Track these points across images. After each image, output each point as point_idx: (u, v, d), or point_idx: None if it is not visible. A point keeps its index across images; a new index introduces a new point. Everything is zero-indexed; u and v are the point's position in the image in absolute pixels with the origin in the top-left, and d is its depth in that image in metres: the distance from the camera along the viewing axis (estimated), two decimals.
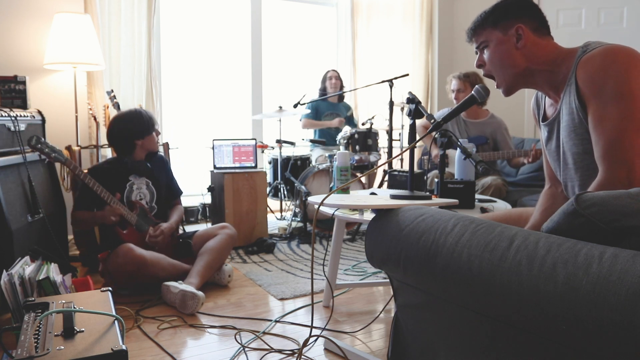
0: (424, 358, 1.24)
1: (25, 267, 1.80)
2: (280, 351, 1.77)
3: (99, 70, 3.30)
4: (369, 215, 1.84)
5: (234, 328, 1.98)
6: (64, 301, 1.35)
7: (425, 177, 2.84)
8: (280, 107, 3.67)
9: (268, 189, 3.82)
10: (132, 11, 3.48)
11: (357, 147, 3.58)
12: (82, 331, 1.18)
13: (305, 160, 3.94)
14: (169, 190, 2.71)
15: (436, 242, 1.05)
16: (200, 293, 2.13)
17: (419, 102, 1.74)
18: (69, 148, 3.02)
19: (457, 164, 2.24)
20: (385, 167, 3.93)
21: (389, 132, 3.41)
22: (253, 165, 3.44)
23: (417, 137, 1.61)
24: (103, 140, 3.29)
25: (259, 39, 4.38)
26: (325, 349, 1.80)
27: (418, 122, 3.20)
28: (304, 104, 3.70)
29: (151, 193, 2.59)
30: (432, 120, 1.94)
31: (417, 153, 3.61)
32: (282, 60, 4.65)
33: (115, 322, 1.24)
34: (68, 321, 1.19)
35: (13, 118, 2.23)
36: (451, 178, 2.29)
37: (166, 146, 3.37)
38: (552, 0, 4.39)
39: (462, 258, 0.96)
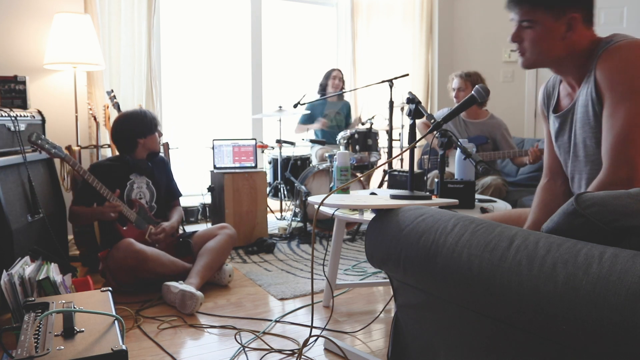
0: (424, 358, 1.24)
1: (25, 267, 1.80)
2: (280, 351, 1.77)
3: (99, 70, 3.30)
4: (369, 215, 1.84)
5: (234, 328, 1.97)
6: (64, 301, 1.35)
7: (425, 177, 2.84)
8: (280, 107, 3.67)
9: (268, 189, 3.82)
10: (132, 11, 3.48)
11: (357, 147, 3.58)
12: (82, 331, 1.18)
13: (305, 160, 3.94)
14: (168, 191, 2.72)
15: (436, 242, 1.05)
16: (199, 293, 2.13)
17: (419, 102, 1.74)
18: (69, 148, 3.02)
19: (457, 164, 2.24)
20: (385, 167, 3.93)
21: (389, 132, 3.41)
22: (253, 165, 3.44)
23: (417, 137, 1.61)
24: (103, 140, 3.29)
25: (259, 39, 4.38)
26: (325, 349, 1.80)
27: (419, 120, 3.21)
28: (304, 104, 3.70)
29: (151, 192, 2.60)
30: (432, 120, 1.94)
31: (417, 153, 3.61)
32: (282, 60, 4.65)
33: (115, 322, 1.24)
34: (68, 321, 1.19)
35: (13, 118, 2.23)
36: (451, 178, 2.29)
37: (166, 146, 3.37)
38: None
39: (462, 258, 0.96)
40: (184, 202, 2.86)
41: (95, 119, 3.19)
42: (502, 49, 4.68)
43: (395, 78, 3.38)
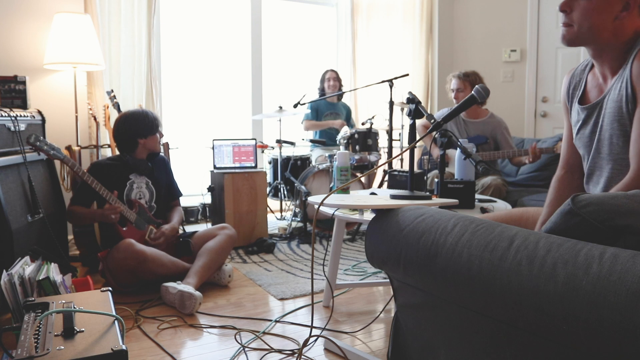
0: (424, 358, 1.24)
1: (25, 267, 1.80)
2: (280, 351, 1.77)
3: (99, 70, 3.30)
4: (369, 215, 1.84)
5: (234, 328, 1.97)
6: (64, 301, 1.35)
7: (425, 177, 2.84)
8: (280, 107, 3.67)
9: (268, 189, 3.82)
10: (132, 11, 3.48)
11: (357, 147, 3.58)
12: (82, 331, 1.18)
13: (305, 160, 3.95)
14: (168, 191, 2.72)
15: (436, 242, 1.05)
16: (197, 293, 2.13)
17: (419, 102, 1.74)
18: (69, 148, 3.02)
19: (457, 164, 2.24)
20: (385, 167, 3.93)
21: (389, 132, 3.41)
22: (253, 165, 3.44)
23: (417, 137, 1.61)
24: (103, 140, 3.29)
25: (259, 39, 4.38)
26: (325, 349, 1.80)
27: (418, 121, 3.21)
28: (304, 104, 3.70)
29: (150, 192, 2.60)
30: (432, 120, 1.94)
31: (417, 153, 3.61)
32: (282, 60, 4.65)
33: (115, 322, 1.24)
34: (68, 321, 1.19)
35: (13, 118, 2.23)
36: (451, 178, 2.29)
37: (166, 146, 3.37)
38: (553, 0, 4.39)
39: (462, 258, 0.96)
40: (184, 202, 2.86)
41: (95, 119, 3.19)
42: (502, 49, 4.68)
43: (395, 78, 3.38)
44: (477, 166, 1.87)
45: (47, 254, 2.08)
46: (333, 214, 1.94)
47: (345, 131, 3.68)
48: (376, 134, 3.66)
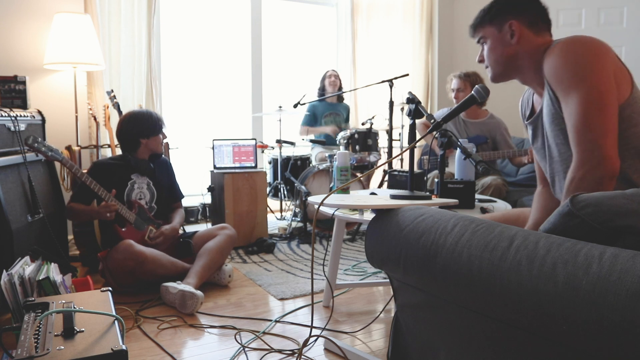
0: (424, 358, 1.24)
1: (25, 267, 1.80)
2: (280, 351, 1.77)
3: (99, 70, 3.30)
4: (369, 215, 1.84)
5: (234, 328, 1.98)
6: (64, 301, 1.35)
7: (425, 177, 2.83)
8: (280, 107, 3.67)
9: (268, 189, 3.82)
10: (132, 11, 3.48)
11: (357, 147, 3.58)
12: (82, 331, 1.18)
13: (305, 160, 3.95)
14: (170, 193, 2.72)
15: (436, 242, 1.05)
16: (199, 292, 2.13)
17: (419, 102, 1.74)
18: (69, 148, 3.02)
19: (457, 164, 2.24)
20: (385, 167, 3.93)
21: (389, 132, 3.41)
22: (253, 165, 3.44)
23: (417, 137, 1.61)
24: (103, 140, 3.29)
25: (259, 39, 4.38)
26: (325, 349, 1.80)
27: (418, 120, 3.21)
28: (303, 104, 3.70)
29: (151, 193, 2.60)
30: (432, 120, 1.94)
31: (417, 153, 3.61)
32: (282, 60, 4.65)
33: (115, 322, 1.24)
34: (68, 321, 1.19)
35: (13, 118, 2.23)
36: (451, 178, 2.29)
37: (166, 146, 3.37)
38: (552, 0, 4.38)
39: (462, 258, 0.96)
40: (184, 202, 2.86)
41: (95, 119, 3.19)
42: None
43: (395, 78, 3.38)
44: (477, 166, 1.86)
45: (47, 254, 2.08)
46: (333, 214, 1.94)
47: (345, 131, 3.69)
48: (376, 134, 3.66)
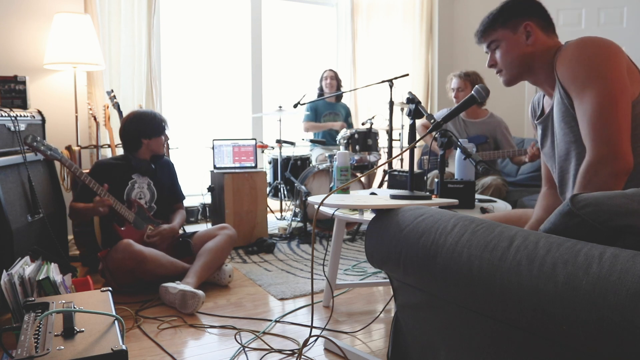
0: (424, 358, 1.24)
1: (25, 267, 1.80)
2: (280, 351, 1.77)
3: (99, 70, 3.30)
4: (369, 215, 1.84)
5: (234, 328, 1.98)
6: (64, 301, 1.35)
7: (425, 177, 2.83)
8: (280, 107, 3.67)
9: (268, 189, 3.82)
10: (132, 11, 3.48)
11: (357, 147, 3.58)
12: (82, 331, 1.18)
13: (305, 160, 3.94)
14: (171, 194, 2.72)
15: (436, 242, 1.05)
16: (200, 292, 2.13)
17: (419, 102, 1.74)
18: (69, 148, 3.02)
19: (457, 164, 2.24)
20: (385, 167, 3.93)
21: (389, 132, 3.41)
22: (253, 165, 3.44)
23: (417, 137, 1.61)
24: (103, 140, 3.29)
25: (259, 39, 4.38)
26: (325, 349, 1.80)
27: (418, 121, 3.20)
28: (303, 104, 3.70)
29: (151, 193, 2.60)
30: (432, 120, 1.94)
31: (417, 153, 3.61)
32: (282, 60, 4.65)
33: (115, 322, 1.24)
34: (68, 321, 1.19)
35: (13, 118, 2.23)
36: (451, 178, 2.29)
37: (166, 146, 3.37)
38: (552, 0, 4.39)
39: (462, 258, 0.96)
40: (184, 202, 2.86)
41: (95, 119, 3.19)
42: None
43: (395, 78, 3.38)
44: (477, 166, 1.86)
45: (47, 254, 2.08)
46: (333, 214, 1.94)
47: (345, 131, 3.69)
48: (376, 134, 3.66)
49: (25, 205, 2.22)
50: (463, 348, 1.07)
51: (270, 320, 2.05)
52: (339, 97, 4.40)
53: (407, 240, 1.14)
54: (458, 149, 1.99)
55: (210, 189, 3.42)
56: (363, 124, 3.79)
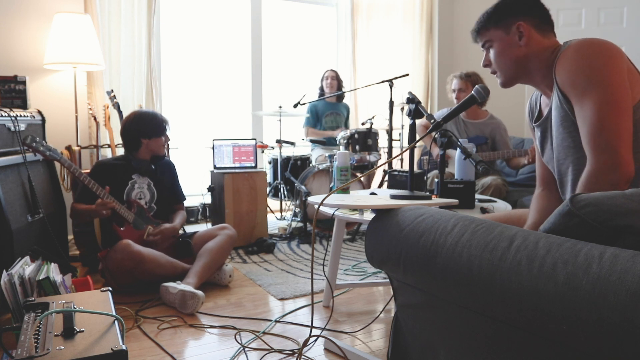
0: (424, 358, 1.24)
1: (25, 267, 1.80)
2: (280, 351, 1.77)
3: (99, 70, 3.30)
4: (369, 215, 1.84)
5: (234, 328, 1.98)
6: (64, 301, 1.35)
7: (425, 177, 2.83)
8: (280, 107, 3.67)
9: (268, 189, 3.82)
10: (132, 11, 3.48)
11: (357, 147, 3.58)
12: (82, 331, 1.18)
13: (305, 160, 3.94)
14: (172, 194, 2.72)
15: (436, 242, 1.05)
16: (200, 292, 2.13)
17: (419, 102, 1.74)
18: (69, 148, 3.02)
19: (457, 164, 2.24)
20: (385, 167, 3.93)
21: (389, 132, 3.41)
22: (253, 165, 3.44)
23: (417, 137, 1.61)
24: (103, 140, 3.29)
25: (259, 39, 4.38)
26: (325, 349, 1.80)
27: (418, 121, 3.20)
28: (303, 104, 3.70)
29: (151, 193, 2.60)
30: (432, 120, 1.94)
31: (417, 153, 3.61)
32: (282, 60, 4.65)
33: (115, 322, 1.24)
34: (68, 321, 1.19)
35: (13, 118, 2.23)
36: (451, 178, 2.29)
37: (167, 147, 3.37)
38: (552, 0, 4.39)
39: (462, 258, 0.96)
40: (184, 202, 2.87)
41: (95, 119, 3.19)
42: None
43: (395, 78, 3.38)
44: (477, 166, 1.86)
45: (47, 254, 2.08)
46: (333, 214, 1.94)
47: (345, 130, 3.69)
48: (376, 134, 3.66)
49: (25, 205, 2.22)
50: (463, 348, 1.07)
51: (270, 320, 2.05)
52: (340, 97, 4.40)
53: (407, 240, 1.14)
54: (458, 149, 1.99)
55: (210, 189, 3.42)
56: (363, 124, 3.79)
